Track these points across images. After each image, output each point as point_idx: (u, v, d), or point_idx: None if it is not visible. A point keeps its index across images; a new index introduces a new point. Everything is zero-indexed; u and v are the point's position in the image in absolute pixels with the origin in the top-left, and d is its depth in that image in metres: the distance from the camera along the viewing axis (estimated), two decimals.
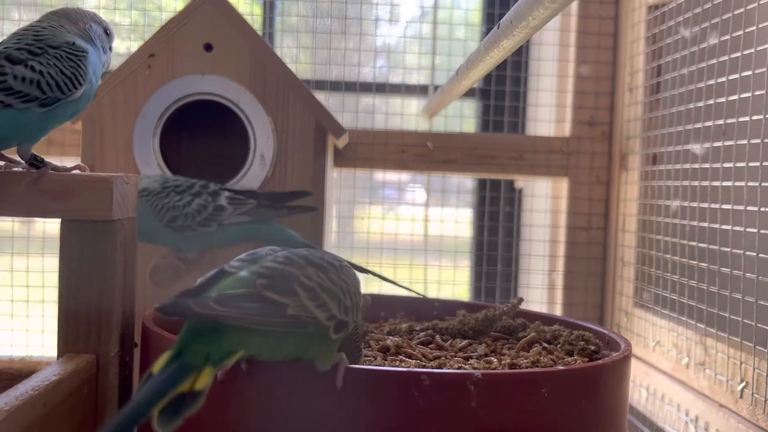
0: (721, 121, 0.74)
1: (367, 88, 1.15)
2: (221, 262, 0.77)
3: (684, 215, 0.82)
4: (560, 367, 0.54)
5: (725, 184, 0.73)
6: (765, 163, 0.67)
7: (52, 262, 1.02)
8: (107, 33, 0.67)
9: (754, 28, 0.69)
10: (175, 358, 0.42)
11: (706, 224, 0.77)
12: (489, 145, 1.06)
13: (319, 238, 0.82)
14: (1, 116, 0.56)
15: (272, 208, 0.75)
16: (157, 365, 0.42)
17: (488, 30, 0.90)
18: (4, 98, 0.56)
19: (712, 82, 0.76)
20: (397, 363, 0.58)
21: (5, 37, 1.05)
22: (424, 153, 1.06)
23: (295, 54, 1.20)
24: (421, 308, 0.77)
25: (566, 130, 1.08)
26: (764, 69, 0.66)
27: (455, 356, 0.61)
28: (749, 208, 0.68)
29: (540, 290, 1.12)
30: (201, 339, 0.43)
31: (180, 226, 0.73)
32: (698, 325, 0.79)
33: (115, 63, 1.04)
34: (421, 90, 1.19)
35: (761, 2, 0.68)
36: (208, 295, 0.43)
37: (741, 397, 0.70)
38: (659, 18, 0.94)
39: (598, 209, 1.06)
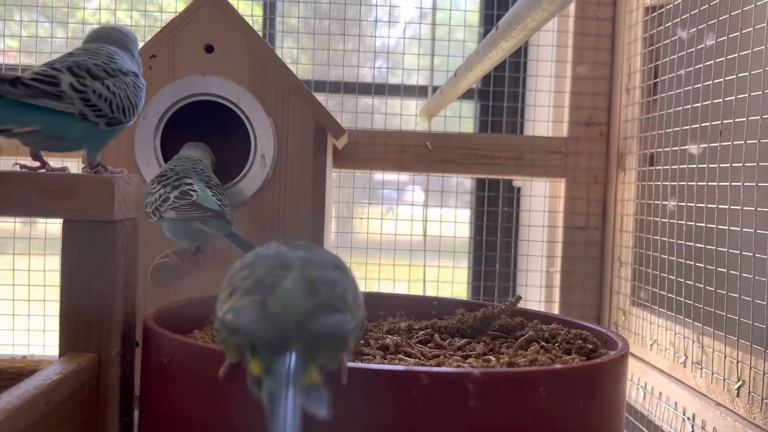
0: (717, 122, 0.74)
1: (366, 89, 1.16)
2: (220, 260, 0.77)
3: (681, 215, 0.83)
4: (558, 366, 0.54)
5: (722, 184, 0.73)
6: (761, 164, 0.67)
7: (54, 262, 1.02)
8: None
9: (750, 29, 0.69)
10: (273, 358, 0.40)
11: (702, 224, 0.78)
12: (487, 145, 1.07)
13: (319, 239, 0.83)
14: (75, 123, 0.60)
15: (194, 210, 0.71)
16: (255, 367, 0.40)
17: (487, 31, 0.91)
18: (83, 108, 0.60)
19: (709, 82, 0.77)
20: (396, 362, 0.58)
21: (7, 36, 1.06)
22: (423, 153, 1.06)
23: (295, 55, 1.21)
24: (420, 307, 0.78)
25: (564, 130, 1.08)
26: (761, 70, 0.67)
27: (454, 355, 0.61)
28: (746, 208, 0.69)
29: (538, 289, 1.13)
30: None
31: (146, 213, 0.74)
32: (695, 324, 0.79)
33: None
34: (420, 91, 1.19)
35: (758, 3, 0.69)
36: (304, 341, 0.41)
37: (738, 395, 0.70)
38: (656, 19, 0.94)
39: (595, 209, 1.07)
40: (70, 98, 0.59)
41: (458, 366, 0.56)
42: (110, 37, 0.68)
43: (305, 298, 0.43)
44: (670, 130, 0.87)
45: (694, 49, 0.81)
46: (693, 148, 0.81)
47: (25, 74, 0.59)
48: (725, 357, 0.73)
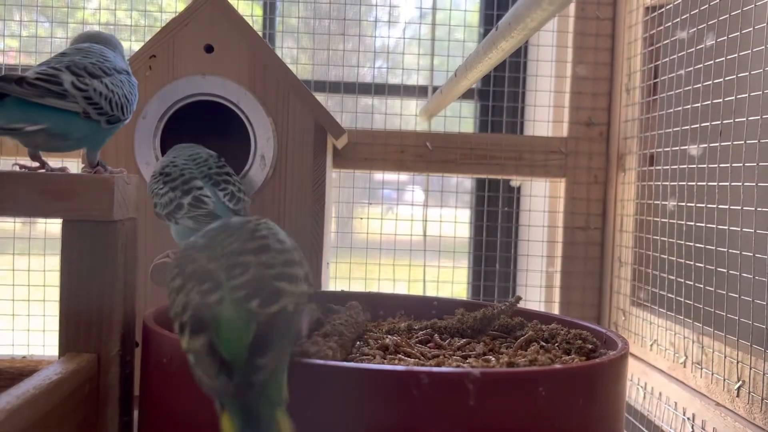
0: (717, 122, 0.74)
1: (366, 89, 1.16)
2: None
3: (681, 215, 0.83)
4: (558, 366, 0.54)
5: (722, 184, 0.73)
6: (761, 164, 0.67)
7: (54, 262, 1.02)
8: None
9: (750, 29, 0.69)
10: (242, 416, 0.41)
11: (702, 224, 0.78)
12: (487, 145, 1.07)
13: (319, 238, 0.83)
14: (79, 122, 0.61)
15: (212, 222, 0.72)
16: (229, 427, 0.41)
17: (487, 31, 0.91)
18: (86, 107, 0.61)
19: (708, 82, 0.77)
20: (396, 362, 0.58)
21: (7, 36, 1.06)
22: (423, 153, 1.06)
23: (295, 55, 1.21)
24: (419, 307, 0.78)
25: (564, 130, 1.08)
26: (761, 70, 0.67)
27: (454, 355, 0.61)
28: (746, 208, 0.69)
29: (538, 289, 1.13)
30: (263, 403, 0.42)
31: (157, 214, 0.74)
32: (695, 324, 0.79)
33: None
34: (420, 91, 1.19)
35: (758, 3, 0.69)
36: (255, 390, 0.42)
37: (738, 395, 0.70)
38: (657, 19, 0.94)
39: (595, 209, 1.07)
40: (73, 97, 0.60)
41: (458, 366, 0.56)
42: (100, 37, 0.69)
43: (240, 333, 0.43)
44: (670, 130, 0.87)
45: (694, 49, 0.81)
46: (693, 149, 0.81)
47: (28, 74, 0.59)
48: (725, 357, 0.73)
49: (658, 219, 0.90)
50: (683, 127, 0.83)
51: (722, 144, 0.74)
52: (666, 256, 0.87)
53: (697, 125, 0.79)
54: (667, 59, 0.89)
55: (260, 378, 0.42)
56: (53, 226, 1.05)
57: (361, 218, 1.13)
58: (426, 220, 1.16)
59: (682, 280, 0.82)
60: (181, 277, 0.47)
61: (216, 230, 0.49)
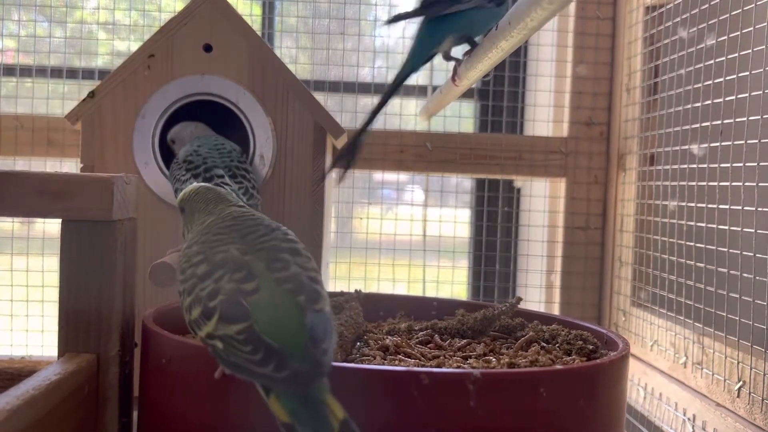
0: (718, 122, 0.74)
1: (365, 88, 1.15)
2: None
3: (681, 215, 0.83)
4: (558, 367, 0.54)
5: (722, 184, 0.73)
6: (762, 164, 0.67)
7: (52, 262, 1.02)
8: None
9: (751, 28, 0.69)
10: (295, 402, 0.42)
11: (703, 224, 0.78)
12: (487, 145, 1.07)
13: (319, 238, 0.83)
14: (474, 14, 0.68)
15: None
16: (282, 414, 0.42)
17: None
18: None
19: (709, 82, 0.77)
20: (396, 362, 0.58)
21: (5, 36, 1.06)
22: (422, 153, 1.06)
23: (294, 54, 1.20)
24: (420, 308, 0.78)
25: (564, 130, 1.08)
26: (761, 70, 0.67)
27: (454, 356, 0.61)
28: (746, 208, 0.69)
29: (538, 290, 1.13)
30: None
31: (176, 196, 0.74)
32: (696, 324, 0.79)
33: (114, 63, 1.05)
34: (419, 91, 1.19)
35: (758, 3, 0.69)
36: (320, 376, 0.42)
37: (738, 396, 0.70)
38: (657, 19, 0.94)
39: (595, 209, 1.07)
40: None
41: (458, 367, 0.56)
42: None
43: (293, 323, 0.44)
44: (671, 129, 0.87)
45: (694, 48, 0.81)
46: (695, 148, 0.81)
47: None
48: (726, 357, 0.73)
49: (658, 219, 0.90)
50: (684, 127, 0.83)
51: (723, 144, 0.73)
52: (666, 256, 0.87)
53: (698, 125, 0.79)
54: (668, 59, 0.89)
55: (329, 362, 0.42)
56: (52, 226, 1.05)
57: (361, 218, 1.13)
58: (426, 220, 1.16)
59: (683, 280, 0.82)
60: (207, 264, 0.47)
61: (239, 225, 0.50)
